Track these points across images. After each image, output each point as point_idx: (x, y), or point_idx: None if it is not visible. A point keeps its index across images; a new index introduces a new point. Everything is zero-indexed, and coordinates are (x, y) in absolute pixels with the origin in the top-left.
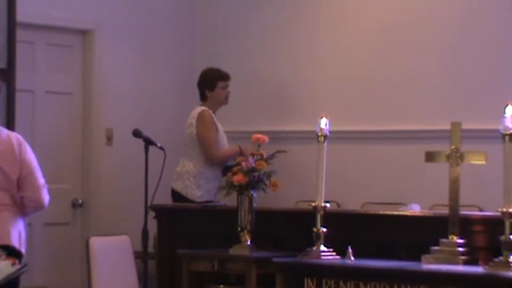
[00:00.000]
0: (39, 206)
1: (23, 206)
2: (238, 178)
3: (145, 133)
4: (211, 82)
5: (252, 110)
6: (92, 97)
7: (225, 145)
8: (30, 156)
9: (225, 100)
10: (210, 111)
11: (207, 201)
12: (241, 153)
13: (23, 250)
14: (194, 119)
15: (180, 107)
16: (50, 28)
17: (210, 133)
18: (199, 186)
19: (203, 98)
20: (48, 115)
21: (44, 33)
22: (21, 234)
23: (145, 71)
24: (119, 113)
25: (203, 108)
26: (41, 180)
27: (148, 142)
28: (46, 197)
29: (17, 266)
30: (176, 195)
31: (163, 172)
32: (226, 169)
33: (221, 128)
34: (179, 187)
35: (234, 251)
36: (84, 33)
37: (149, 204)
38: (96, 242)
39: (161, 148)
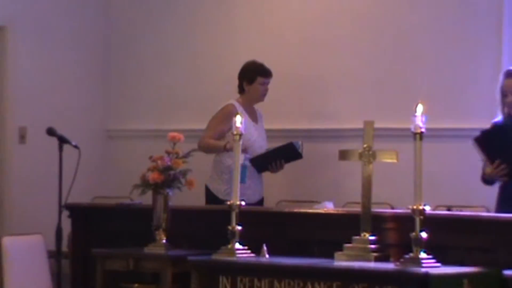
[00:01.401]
0: None
1: None
2: (153, 177)
3: (60, 131)
4: (251, 76)
5: (167, 108)
6: (5, 94)
7: (252, 145)
8: None
9: (261, 97)
10: (236, 105)
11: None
12: (225, 149)
13: None
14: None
15: (96, 104)
16: None
17: (216, 122)
18: (224, 180)
19: (241, 90)
20: None
21: None
22: None
23: (59, 68)
24: (33, 111)
25: (230, 102)
26: None
27: (63, 141)
28: None
29: None
30: (206, 191)
31: (77, 170)
32: (257, 163)
33: (247, 126)
34: (208, 181)
35: (149, 249)
36: None
37: (63, 203)
38: (8, 242)
39: (75, 146)
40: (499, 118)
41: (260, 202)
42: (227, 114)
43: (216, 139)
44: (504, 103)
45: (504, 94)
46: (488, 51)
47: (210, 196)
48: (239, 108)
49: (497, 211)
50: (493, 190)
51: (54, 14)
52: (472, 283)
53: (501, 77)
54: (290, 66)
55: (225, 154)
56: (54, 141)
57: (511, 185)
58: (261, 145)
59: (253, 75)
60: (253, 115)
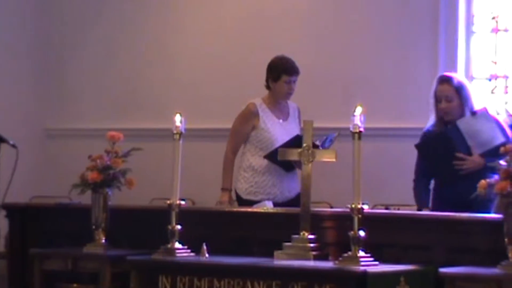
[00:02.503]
0: None
1: None
2: (92, 176)
3: None
4: (275, 73)
5: (106, 108)
6: None
7: (274, 144)
8: None
9: (286, 96)
10: (257, 104)
11: (255, 200)
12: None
13: None
14: None
15: (34, 103)
16: None
17: (237, 125)
18: (246, 179)
19: (267, 87)
20: None
21: None
22: None
23: None
24: None
25: (252, 101)
26: None
27: (0, 140)
28: None
29: None
30: (235, 192)
31: (15, 169)
32: (274, 160)
33: (266, 124)
34: (234, 181)
35: (88, 249)
36: None
37: (0, 202)
38: None
39: (13, 145)
40: (430, 122)
41: (294, 200)
42: (247, 114)
43: (239, 145)
44: (439, 108)
45: (438, 100)
46: (425, 52)
47: (237, 197)
48: (261, 106)
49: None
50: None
51: None
52: (409, 280)
53: (434, 82)
54: (230, 65)
55: (248, 153)
56: None
57: (440, 190)
58: None
59: (278, 73)
60: (281, 112)
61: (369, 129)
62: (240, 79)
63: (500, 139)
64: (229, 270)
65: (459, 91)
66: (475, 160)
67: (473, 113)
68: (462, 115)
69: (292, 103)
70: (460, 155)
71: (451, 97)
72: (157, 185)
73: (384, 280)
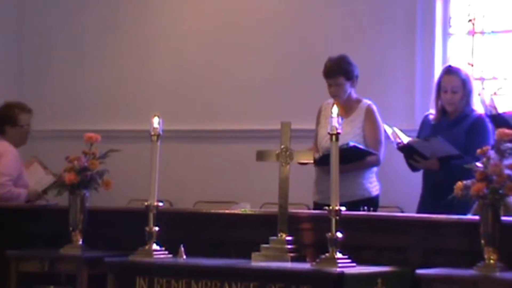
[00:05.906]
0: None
1: None
2: (70, 177)
3: None
4: None
5: (84, 109)
6: None
7: (320, 142)
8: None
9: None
10: (326, 102)
11: None
12: None
13: None
14: None
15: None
16: None
17: None
18: None
19: None
20: None
21: None
22: None
23: None
24: None
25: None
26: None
27: None
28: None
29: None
30: None
31: None
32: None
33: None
34: None
35: (65, 251)
36: None
37: None
38: None
39: None
40: (431, 111)
41: (355, 203)
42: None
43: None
44: (443, 99)
45: (444, 90)
46: (402, 54)
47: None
48: (329, 104)
49: (422, 199)
50: (407, 191)
51: None
52: (385, 282)
53: (440, 73)
54: (205, 68)
55: None
56: None
57: (432, 175)
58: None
59: None
60: (344, 110)
61: None
62: (218, 80)
63: (455, 152)
64: (207, 272)
65: (465, 84)
66: (428, 162)
67: (425, 139)
68: (462, 108)
69: (366, 103)
70: (418, 158)
71: (457, 88)
72: (134, 187)
73: (361, 282)
